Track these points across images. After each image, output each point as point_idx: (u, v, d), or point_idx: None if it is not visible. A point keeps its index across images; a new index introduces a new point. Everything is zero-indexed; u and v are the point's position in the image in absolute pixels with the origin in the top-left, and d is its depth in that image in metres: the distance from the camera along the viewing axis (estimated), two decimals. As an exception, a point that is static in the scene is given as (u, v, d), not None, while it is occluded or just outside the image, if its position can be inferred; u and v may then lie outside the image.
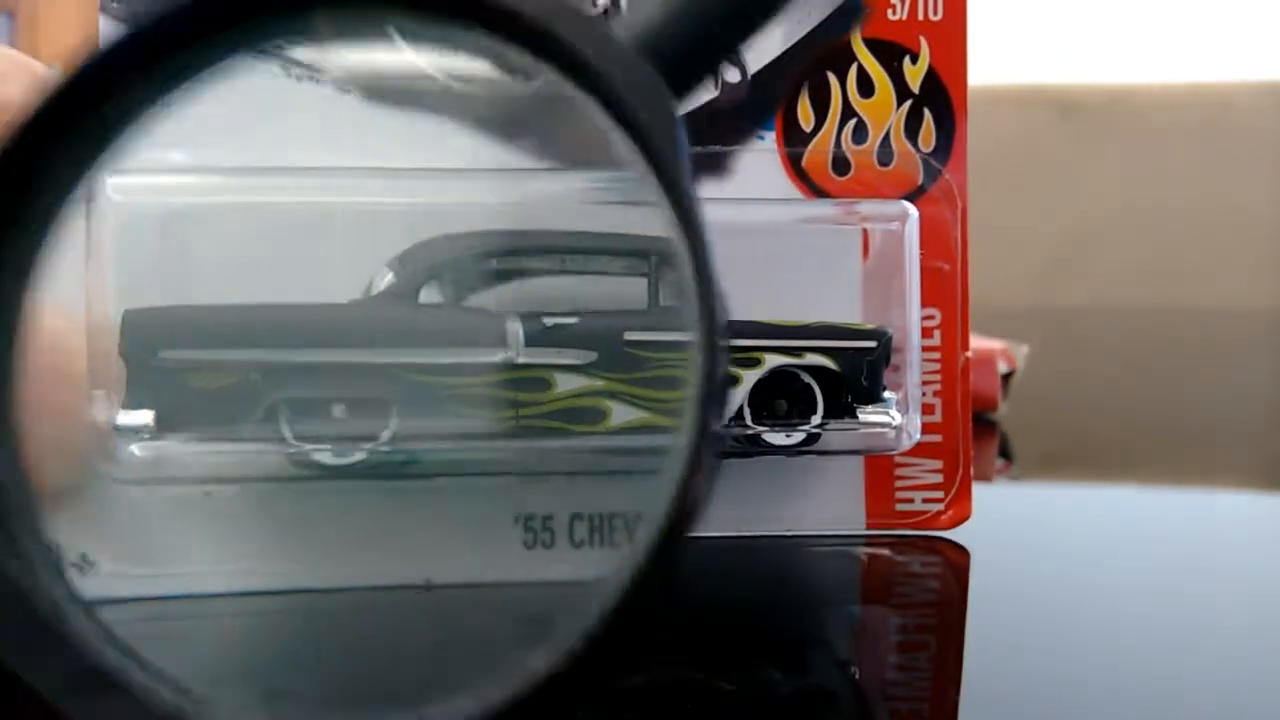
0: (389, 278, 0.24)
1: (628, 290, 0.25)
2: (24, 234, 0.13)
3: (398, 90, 0.25)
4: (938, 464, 0.28)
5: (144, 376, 0.22)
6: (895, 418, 0.27)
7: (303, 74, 0.25)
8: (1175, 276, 1.21)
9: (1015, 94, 1.25)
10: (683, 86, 0.17)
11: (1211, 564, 0.29)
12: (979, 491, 0.29)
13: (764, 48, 0.28)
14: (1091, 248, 1.26)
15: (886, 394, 0.27)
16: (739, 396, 0.26)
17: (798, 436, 0.27)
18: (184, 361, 0.23)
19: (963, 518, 0.29)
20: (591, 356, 0.24)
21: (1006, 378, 0.48)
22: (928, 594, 0.27)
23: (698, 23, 0.17)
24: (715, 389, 0.14)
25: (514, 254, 0.25)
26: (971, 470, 0.29)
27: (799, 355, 0.26)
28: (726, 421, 0.25)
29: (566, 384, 0.24)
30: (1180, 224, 1.24)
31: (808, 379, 0.27)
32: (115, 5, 0.24)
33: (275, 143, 0.25)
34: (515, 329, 0.24)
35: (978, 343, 0.49)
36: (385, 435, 0.23)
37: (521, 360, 0.24)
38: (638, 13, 0.17)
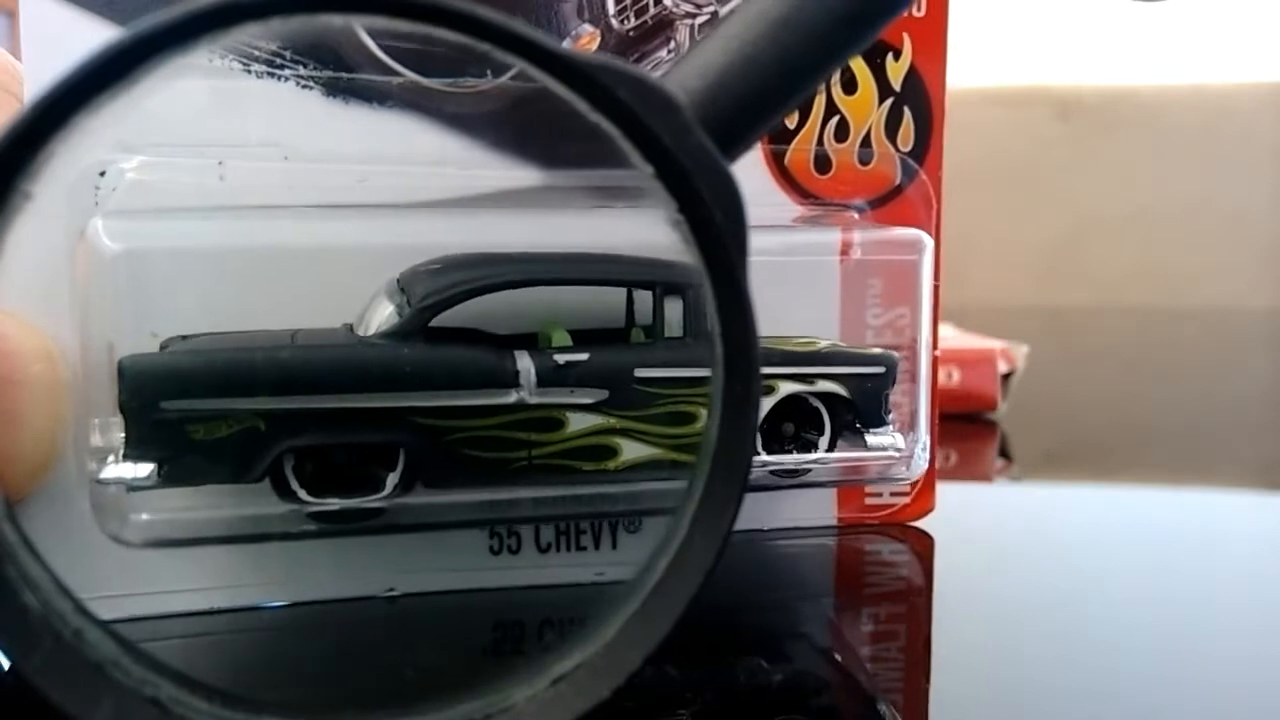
0: (389, 309, 0.23)
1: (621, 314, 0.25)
2: None
3: (360, 87, 0.25)
4: (905, 460, 0.28)
5: (144, 428, 0.21)
6: (900, 442, 0.27)
7: (263, 71, 0.24)
8: (1175, 276, 1.21)
9: (1015, 95, 1.25)
10: (735, 150, 0.17)
11: (1211, 564, 0.29)
12: (980, 491, 0.29)
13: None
14: (1091, 248, 1.26)
15: (890, 417, 0.27)
16: None
17: (804, 462, 0.26)
18: (187, 412, 0.21)
19: (925, 510, 0.30)
20: (603, 394, 0.23)
21: (1006, 377, 0.48)
22: (930, 592, 0.27)
23: (754, 84, 0.17)
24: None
25: (513, 281, 0.23)
26: (936, 465, 0.29)
27: (811, 382, 0.26)
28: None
29: (578, 423, 0.23)
30: (1180, 224, 1.25)
31: (816, 404, 0.26)
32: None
33: (235, 139, 0.23)
34: (527, 367, 0.23)
35: (978, 343, 0.49)
36: (391, 481, 0.23)
37: (534, 400, 0.23)
38: (691, 68, 0.17)
